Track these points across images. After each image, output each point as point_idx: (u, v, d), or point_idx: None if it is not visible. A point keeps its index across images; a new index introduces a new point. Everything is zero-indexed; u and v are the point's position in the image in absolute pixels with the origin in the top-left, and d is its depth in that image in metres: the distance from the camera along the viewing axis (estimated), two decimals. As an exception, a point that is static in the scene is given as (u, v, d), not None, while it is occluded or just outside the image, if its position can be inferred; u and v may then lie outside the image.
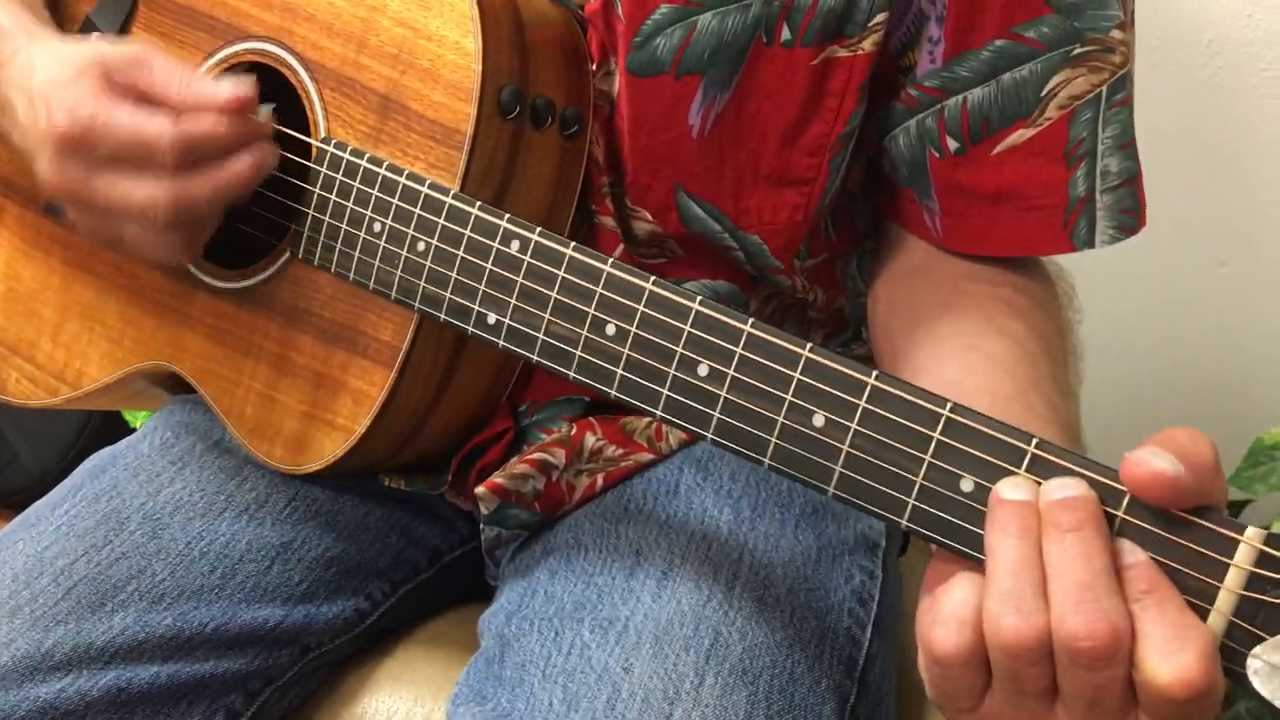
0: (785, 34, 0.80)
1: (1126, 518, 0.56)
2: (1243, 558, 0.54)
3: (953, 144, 0.82)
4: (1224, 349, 1.52)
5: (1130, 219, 0.83)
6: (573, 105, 0.82)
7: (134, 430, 0.95)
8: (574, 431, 0.87)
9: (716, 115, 0.82)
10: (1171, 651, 0.52)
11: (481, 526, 0.89)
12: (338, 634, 0.89)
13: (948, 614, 0.56)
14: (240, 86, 0.76)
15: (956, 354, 0.78)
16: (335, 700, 0.90)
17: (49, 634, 0.80)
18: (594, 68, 0.84)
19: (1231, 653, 0.54)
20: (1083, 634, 0.52)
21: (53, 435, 1.27)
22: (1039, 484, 0.57)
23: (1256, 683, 0.54)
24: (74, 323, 0.95)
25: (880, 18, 0.79)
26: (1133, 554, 0.55)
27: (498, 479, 0.86)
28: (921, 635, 0.58)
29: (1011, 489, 0.57)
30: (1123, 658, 0.53)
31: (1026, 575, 0.54)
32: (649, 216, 0.86)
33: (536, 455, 0.86)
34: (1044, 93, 0.79)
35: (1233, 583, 0.54)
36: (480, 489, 0.86)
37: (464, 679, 0.83)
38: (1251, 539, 0.54)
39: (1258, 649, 0.54)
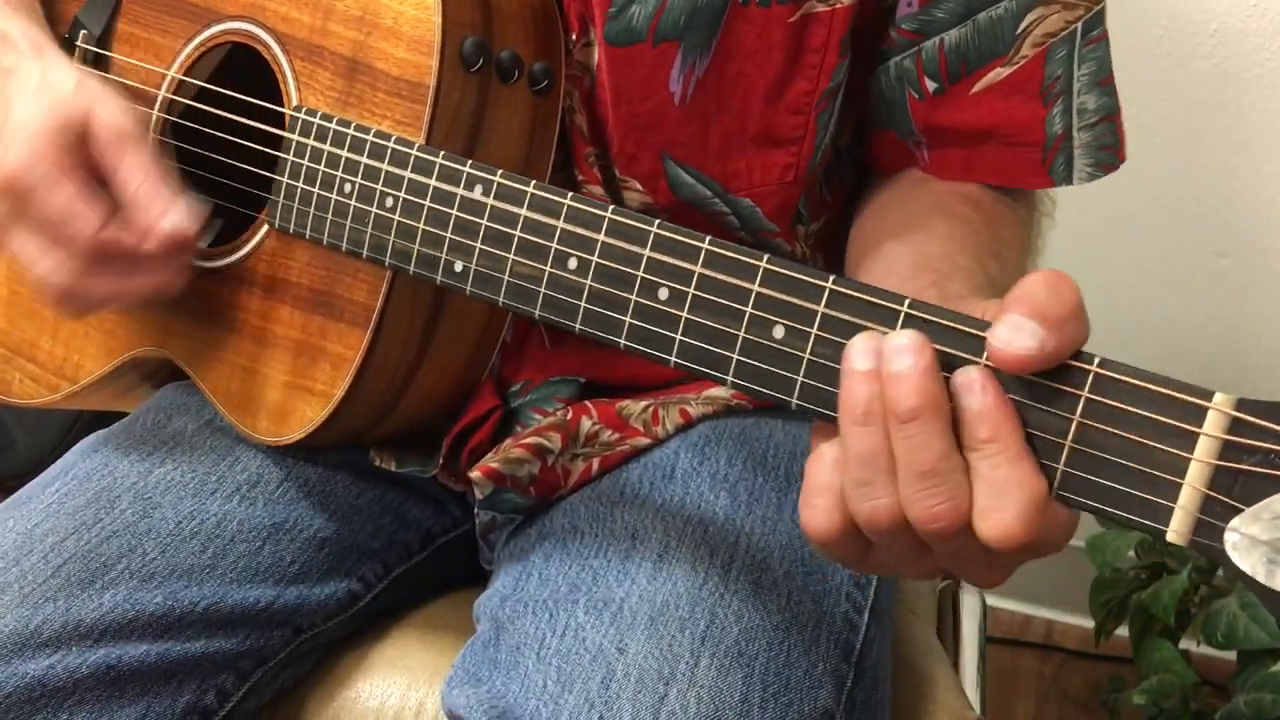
0: None
1: (1090, 396, 0.54)
2: (1213, 425, 0.51)
3: (931, 84, 0.81)
4: (1223, 340, 1.52)
5: (1109, 155, 0.82)
6: (542, 61, 0.82)
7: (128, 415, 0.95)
8: (570, 416, 0.86)
9: (697, 80, 0.82)
10: (992, 510, 0.54)
11: (476, 511, 0.88)
12: (330, 615, 0.88)
13: (815, 498, 0.58)
14: (188, 220, 0.77)
15: (898, 230, 0.80)
16: (329, 683, 0.88)
17: (38, 611, 0.78)
18: (574, 38, 0.84)
19: (1209, 528, 0.51)
20: (925, 518, 0.55)
21: (49, 421, 1.27)
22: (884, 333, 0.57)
23: (1235, 557, 0.50)
24: (71, 319, 0.95)
25: None
26: (978, 396, 0.55)
27: (492, 463, 0.85)
28: (799, 510, 0.60)
29: (860, 357, 0.57)
30: (966, 520, 0.55)
31: (875, 463, 0.56)
32: (639, 186, 0.86)
33: (532, 439, 0.85)
34: (1019, 30, 0.78)
35: (1204, 453, 0.51)
36: (475, 473, 0.85)
37: (459, 662, 0.81)
38: (1221, 404, 0.51)
39: (1235, 521, 0.50)
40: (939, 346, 0.57)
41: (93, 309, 0.82)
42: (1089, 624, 1.45)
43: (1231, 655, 1.29)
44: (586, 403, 0.88)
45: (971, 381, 0.55)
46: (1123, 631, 1.35)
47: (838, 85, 0.83)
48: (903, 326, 0.58)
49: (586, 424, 0.87)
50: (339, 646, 0.90)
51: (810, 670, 0.74)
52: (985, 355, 0.56)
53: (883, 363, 0.56)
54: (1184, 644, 1.30)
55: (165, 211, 0.77)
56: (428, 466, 0.88)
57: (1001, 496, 0.54)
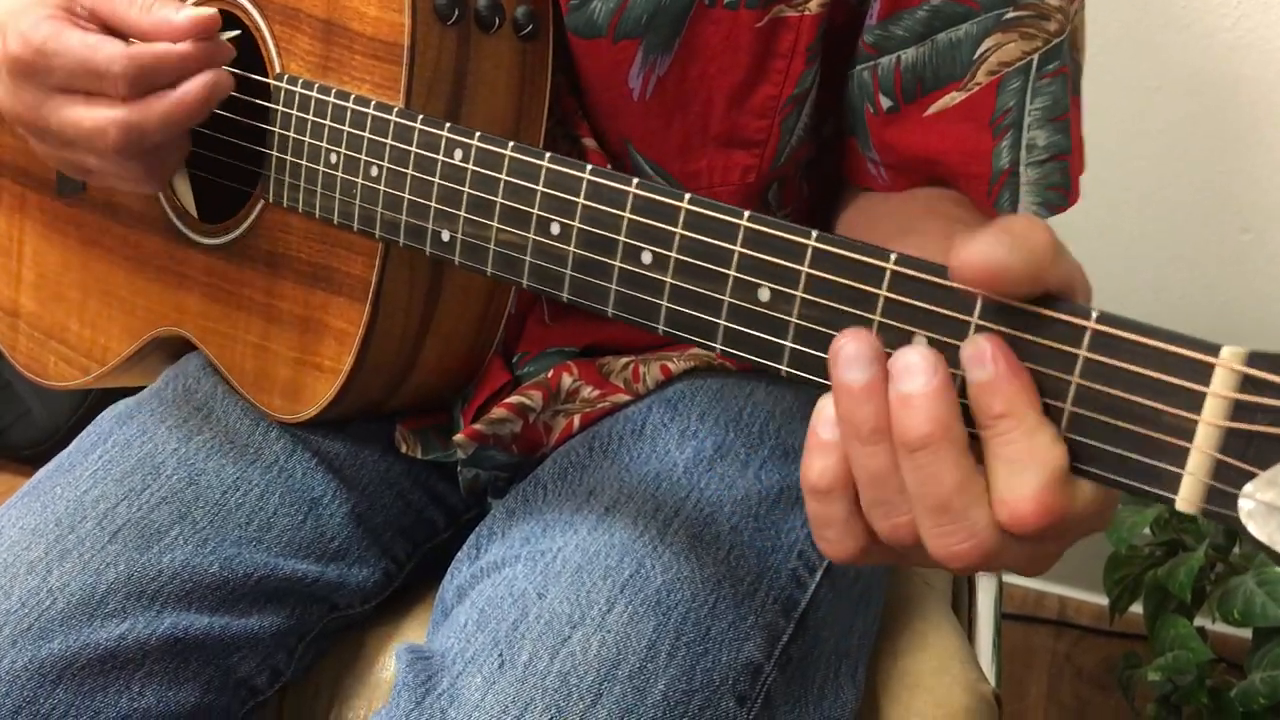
0: None
1: (1089, 355, 0.49)
2: (1221, 383, 0.46)
3: (886, 101, 0.78)
4: (1246, 315, 1.48)
5: (1057, 195, 0.77)
6: (526, 4, 0.78)
7: (142, 387, 0.95)
8: (551, 374, 0.85)
9: (658, 78, 0.79)
10: (1008, 494, 0.49)
11: (459, 469, 0.87)
12: (367, 598, 0.88)
13: (826, 530, 0.54)
14: (201, 12, 0.73)
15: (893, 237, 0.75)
16: (356, 661, 0.87)
17: (101, 577, 0.77)
18: None
19: (1221, 495, 0.47)
20: (944, 557, 0.50)
21: (63, 391, 1.27)
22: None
23: (1251, 526, 0.46)
24: (95, 300, 0.95)
25: None
26: (988, 367, 0.49)
27: (477, 425, 0.84)
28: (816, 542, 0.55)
29: (852, 368, 0.51)
30: (994, 552, 0.50)
31: (889, 483, 0.51)
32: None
33: (515, 399, 0.85)
34: (976, 55, 0.74)
35: (1212, 414, 0.47)
36: (458, 436, 0.84)
37: None
38: (1229, 360, 0.46)
39: (1248, 487, 0.46)
40: (930, 306, 0.53)
41: (163, 148, 0.77)
42: (1103, 601, 1.41)
43: (1247, 633, 1.24)
44: (569, 362, 0.86)
45: (982, 353, 0.49)
46: (1137, 608, 1.31)
47: (804, 91, 0.80)
48: (889, 288, 0.54)
49: (567, 381, 0.86)
50: (363, 624, 0.89)
51: (738, 623, 0.73)
52: (977, 313, 0.52)
53: (892, 381, 0.51)
54: (1199, 621, 1.26)
55: (174, 16, 0.73)
56: (452, 451, 0.87)
57: (1015, 476, 0.49)
